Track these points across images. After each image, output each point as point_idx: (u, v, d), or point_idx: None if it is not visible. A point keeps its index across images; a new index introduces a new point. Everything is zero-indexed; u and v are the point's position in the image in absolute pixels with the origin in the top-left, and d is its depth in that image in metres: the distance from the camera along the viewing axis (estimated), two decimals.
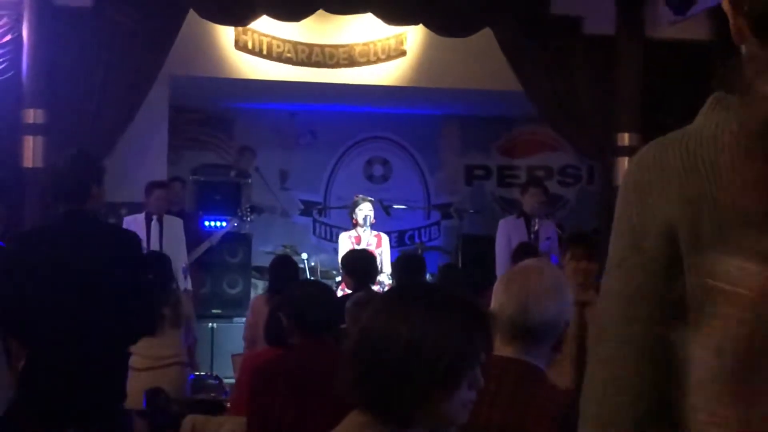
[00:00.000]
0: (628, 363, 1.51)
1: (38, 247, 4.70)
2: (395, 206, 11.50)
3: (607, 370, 1.53)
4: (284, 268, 7.71)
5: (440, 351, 2.11)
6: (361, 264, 7.34)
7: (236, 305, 11.03)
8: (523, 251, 7.94)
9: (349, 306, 5.36)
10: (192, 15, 9.29)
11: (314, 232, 13.09)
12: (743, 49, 1.55)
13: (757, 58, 1.50)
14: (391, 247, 10.13)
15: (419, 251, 10.87)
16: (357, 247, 9.01)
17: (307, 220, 13.10)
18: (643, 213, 1.51)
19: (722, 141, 1.46)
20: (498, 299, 2.82)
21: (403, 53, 10.82)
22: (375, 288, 7.58)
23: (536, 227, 9.05)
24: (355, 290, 7.08)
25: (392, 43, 10.79)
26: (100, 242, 4.73)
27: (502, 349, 2.81)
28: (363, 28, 10.58)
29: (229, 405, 6.24)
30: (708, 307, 1.45)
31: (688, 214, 1.45)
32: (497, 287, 2.86)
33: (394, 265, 8.00)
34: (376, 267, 7.65)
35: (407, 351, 2.11)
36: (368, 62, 10.78)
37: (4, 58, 8.97)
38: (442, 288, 2.33)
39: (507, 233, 9.17)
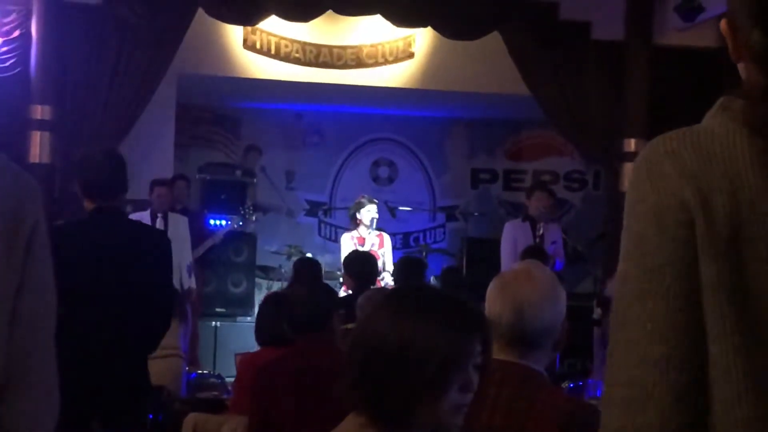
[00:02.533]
0: (654, 341, 1.49)
1: (73, 242, 4.71)
2: (401, 208, 11.50)
3: (632, 353, 1.51)
4: (311, 268, 7.71)
5: (428, 353, 2.11)
6: (361, 265, 7.35)
7: (240, 304, 11.05)
8: (532, 254, 7.95)
9: (361, 302, 5.38)
10: (200, 14, 9.30)
11: (319, 233, 13.09)
12: (740, 67, 1.57)
13: (757, 85, 1.52)
14: (396, 248, 10.13)
15: (423, 253, 10.87)
16: (360, 248, 9.01)
17: (312, 221, 13.10)
18: (661, 193, 1.50)
19: (734, 141, 1.48)
20: (493, 306, 2.81)
21: (411, 55, 10.82)
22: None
23: (541, 231, 9.05)
24: (355, 291, 7.09)
25: (400, 45, 10.79)
26: (133, 238, 4.76)
27: (500, 353, 2.80)
28: (371, 30, 10.59)
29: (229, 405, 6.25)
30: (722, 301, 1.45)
31: (703, 203, 1.46)
32: (490, 292, 2.84)
33: (395, 267, 8.00)
34: (377, 268, 7.65)
35: (397, 353, 2.12)
36: (376, 64, 10.79)
37: (12, 54, 8.98)
38: (436, 290, 2.31)
39: (513, 236, 9.16)
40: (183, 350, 7.25)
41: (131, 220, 5.13)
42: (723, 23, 1.60)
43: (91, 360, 4.56)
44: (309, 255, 10.48)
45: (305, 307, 4.52)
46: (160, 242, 4.94)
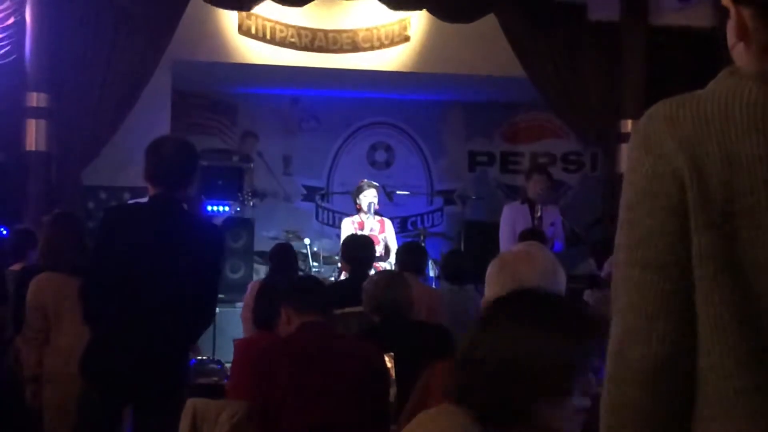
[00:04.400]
0: (647, 306, 1.50)
1: (124, 225, 4.69)
2: (398, 192, 11.49)
3: (619, 324, 1.53)
4: (286, 254, 7.75)
5: (553, 361, 2.10)
6: (356, 249, 7.34)
7: (239, 290, 11.01)
8: (530, 237, 7.95)
9: (366, 286, 5.37)
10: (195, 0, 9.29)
11: (317, 218, 13.08)
12: (740, 48, 1.55)
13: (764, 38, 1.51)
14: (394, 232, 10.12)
15: (421, 237, 10.87)
16: (359, 233, 9.01)
17: (309, 206, 13.10)
18: (656, 160, 1.50)
19: (732, 104, 1.47)
20: (492, 289, 2.80)
21: (407, 39, 10.80)
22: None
23: (540, 213, 9.04)
24: (352, 275, 7.09)
25: (396, 28, 10.77)
26: (185, 230, 4.73)
27: None
28: (367, 14, 10.56)
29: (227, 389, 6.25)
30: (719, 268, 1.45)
31: (697, 170, 1.46)
32: (490, 273, 2.84)
33: (397, 253, 8.00)
34: (374, 252, 7.64)
35: (512, 367, 2.11)
36: (372, 47, 10.77)
37: (7, 42, 8.96)
38: (548, 297, 2.29)
39: (511, 219, 9.16)
40: None
41: (187, 212, 5.08)
42: None
43: (132, 346, 4.55)
44: (307, 240, 10.50)
45: (311, 291, 4.52)
46: (218, 236, 4.93)
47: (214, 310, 4.95)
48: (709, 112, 1.48)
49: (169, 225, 4.66)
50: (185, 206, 4.94)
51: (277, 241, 9.40)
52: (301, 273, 9.19)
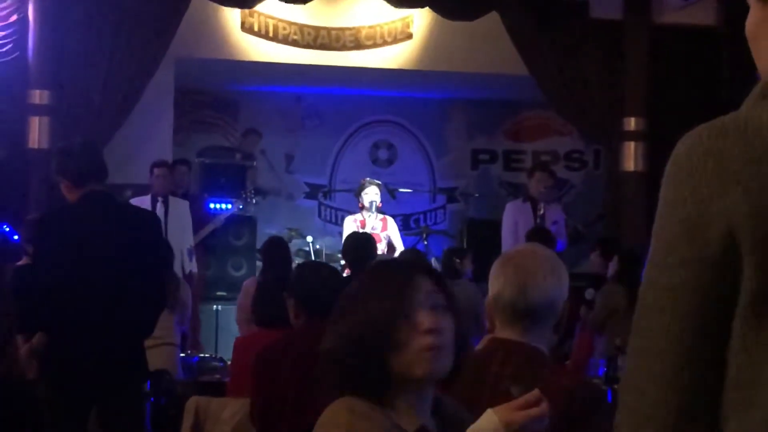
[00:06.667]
0: (669, 357, 1.45)
1: (65, 226, 4.73)
2: (400, 190, 11.49)
3: (646, 363, 1.48)
4: (278, 249, 7.71)
5: (370, 316, 2.19)
6: (355, 248, 7.32)
7: (240, 288, 11.04)
8: (536, 235, 7.96)
9: None
10: None
11: (319, 215, 13.08)
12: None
13: None
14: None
15: (424, 235, 10.87)
16: (360, 231, 9.01)
17: (312, 203, 13.09)
18: (700, 203, 1.40)
19: None
20: (496, 284, 2.81)
21: (410, 36, 10.79)
22: None
23: (542, 211, 9.05)
24: (353, 273, 7.07)
25: (399, 26, 10.76)
26: (124, 221, 4.78)
27: (503, 330, 2.80)
28: (369, 11, 10.56)
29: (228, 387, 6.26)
30: None
31: (753, 207, 1.37)
32: (493, 271, 2.85)
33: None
34: (375, 250, 7.61)
35: (352, 327, 2.21)
36: (374, 45, 10.76)
37: (9, 39, 8.96)
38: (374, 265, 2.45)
39: (513, 217, 9.16)
40: (178, 337, 7.25)
41: (119, 203, 5.15)
42: None
43: (86, 345, 4.58)
44: (310, 238, 10.51)
45: (334, 290, 4.47)
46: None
47: (162, 295, 4.98)
48: (759, 138, 1.38)
49: (103, 219, 4.71)
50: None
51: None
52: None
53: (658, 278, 1.47)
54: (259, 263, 11.32)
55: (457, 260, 8.91)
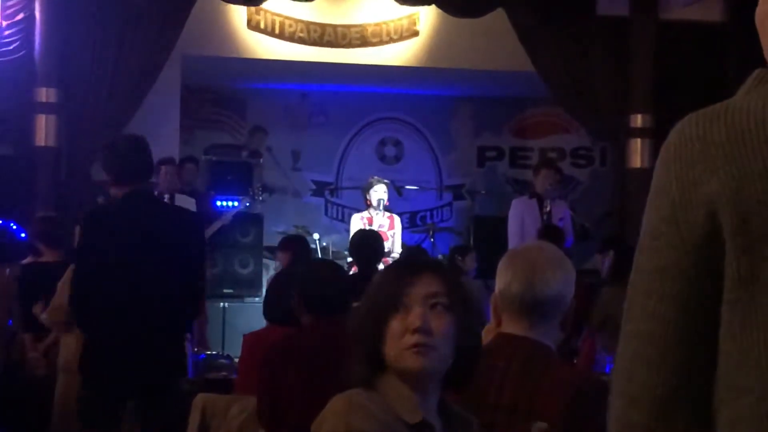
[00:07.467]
0: (655, 340, 1.46)
1: (109, 224, 4.75)
2: (407, 187, 11.48)
3: (633, 346, 1.49)
4: (302, 247, 7.67)
5: (372, 304, 2.32)
6: (363, 246, 7.32)
7: (248, 285, 11.05)
8: (547, 233, 7.95)
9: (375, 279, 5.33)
10: None
11: (326, 213, 13.08)
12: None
13: None
14: (403, 228, 10.13)
15: (430, 232, 10.87)
16: (367, 228, 9.02)
17: (319, 201, 13.09)
18: (685, 187, 1.43)
19: None
20: (503, 278, 2.82)
21: (416, 33, 10.79)
22: None
23: (549, 208, 9.04)
24: (360, 270, 7.07)
25: (405, 23, 10.76)
26: (167, 220, 4.80)
27: (510, 325, 2.80)
28: (376, 8, 10.56)
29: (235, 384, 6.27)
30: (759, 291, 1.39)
31: (733, 191, 1.38)
32: (501, 267, 2.85)
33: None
34: (382, 247, 7.61)
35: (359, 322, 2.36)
36: (381, 42, 10.76)
37: (16, 37, 8.97)
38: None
39: (520, 213, 9.15)
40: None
41: (163, 202, 5.16)
42: None
43: (127, 343, 4.60)
44: (316, 235, 10.51)
45: (332, 287, 4.46)
46: (197, 224, 4.99)
47: (202, 295, 5.02)
48: (745, 127, 1.40)
49: (147, 218, 4.72)
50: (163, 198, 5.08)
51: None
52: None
53: (646, 262, 1.49)
54: (266, 261, 11.36)
55: (459, 258, 8.94)
